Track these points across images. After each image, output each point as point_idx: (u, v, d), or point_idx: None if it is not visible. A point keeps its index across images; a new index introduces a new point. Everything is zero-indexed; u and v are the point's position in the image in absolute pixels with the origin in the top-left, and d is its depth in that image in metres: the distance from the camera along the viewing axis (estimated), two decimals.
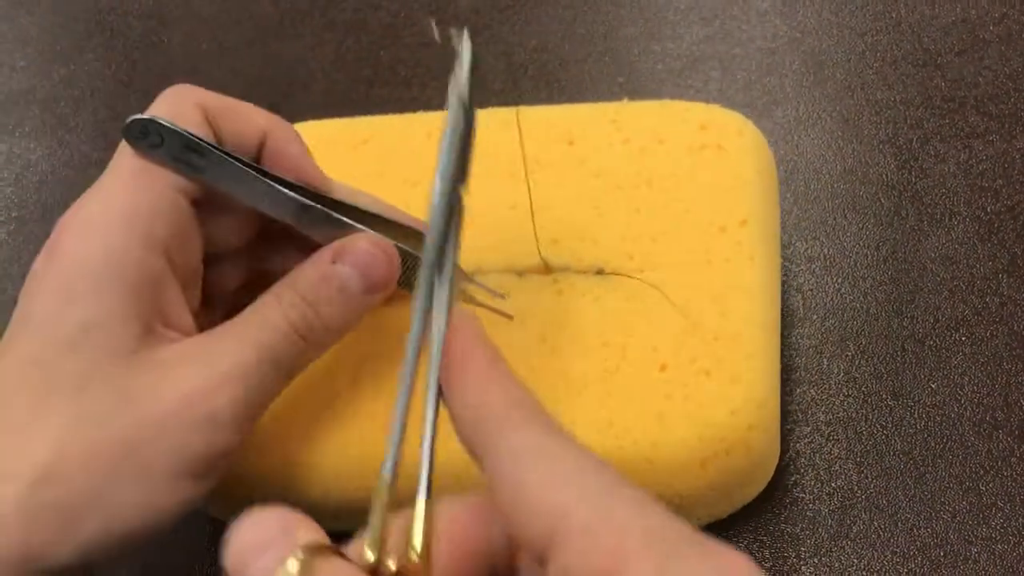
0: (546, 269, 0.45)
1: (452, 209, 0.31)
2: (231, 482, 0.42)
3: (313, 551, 0.27)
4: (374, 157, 0.50)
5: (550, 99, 0.59)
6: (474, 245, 0.45)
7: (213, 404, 0.37)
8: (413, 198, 0.47)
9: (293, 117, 0.54)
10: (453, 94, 0.32)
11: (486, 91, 0.60)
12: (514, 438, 0.28)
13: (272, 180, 0.40)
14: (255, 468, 0.43)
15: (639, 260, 0.44)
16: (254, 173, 0.40)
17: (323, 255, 0.40)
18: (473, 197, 0.47)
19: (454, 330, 0.29)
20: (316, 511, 0.43)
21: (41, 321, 0.37)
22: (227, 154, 0.40)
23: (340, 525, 0.45)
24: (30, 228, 0.60)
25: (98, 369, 0.36)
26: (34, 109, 0.65)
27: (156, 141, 0.38)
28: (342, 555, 0.28)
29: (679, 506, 0.41)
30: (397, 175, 0.49)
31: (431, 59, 0.63)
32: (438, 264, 0.30)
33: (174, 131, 0.38)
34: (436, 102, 0.60)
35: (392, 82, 0.62)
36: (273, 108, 0.62)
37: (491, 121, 0.50)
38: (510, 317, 0.44)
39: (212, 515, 0.47)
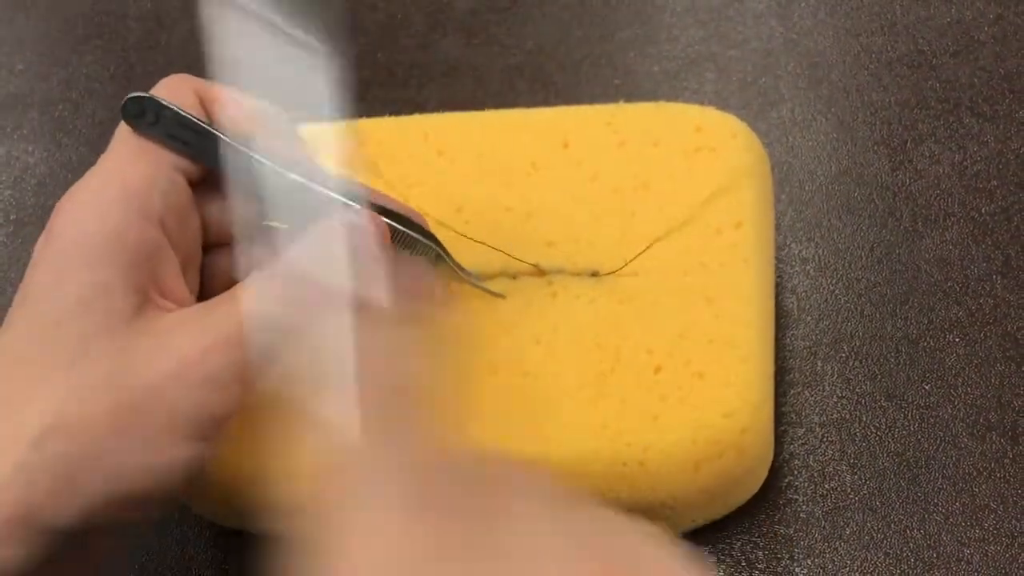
0: (540, 272, 0.45)
1: None
2: (218, 484, 0.43)
3: None
4: (370, 159, 0.50)
5: (546, 101, 0.59)
6: (469, 247, 0.46)
7: (211, 366, 0.37)
8: (410, 199, 0.47)
9: None
10: None
11: (485, 93, 0.61)
12: None
13: (263, 158, 0.41)
14: (251, 471, 0.43)
15: (634, 262, 0.45)
16: (249, 152, 0.40)
17: (317, 228, 0.40)
18: (469, 199, 0.48)
19: None
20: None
21: (38, 297, 0.37)
22: (219, 133, 0.40)
23: None
24: (28, 231, 0.60)
25: (95, 339, 0.37)
26: (32, 112, 0.66)
27: (152, 120, 0.39)
28: None
29: (672, 508, 0.41)
30: (393, 176, 0.49)
31: (428, 60, 0.63)
32: None
33: (169, 109, 0.39)
34: (433, 103, 0.60)
35: (389, 83, 0.62)
36: None
37: (486, 124, 0.50)
38: (502, 296, 0.45)
39: (199, 515, 0.48)
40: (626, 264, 0.45)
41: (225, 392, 0.37)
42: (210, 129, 0.40)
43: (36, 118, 0.65)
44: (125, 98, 0.39)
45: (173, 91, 0.41)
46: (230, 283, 0.43)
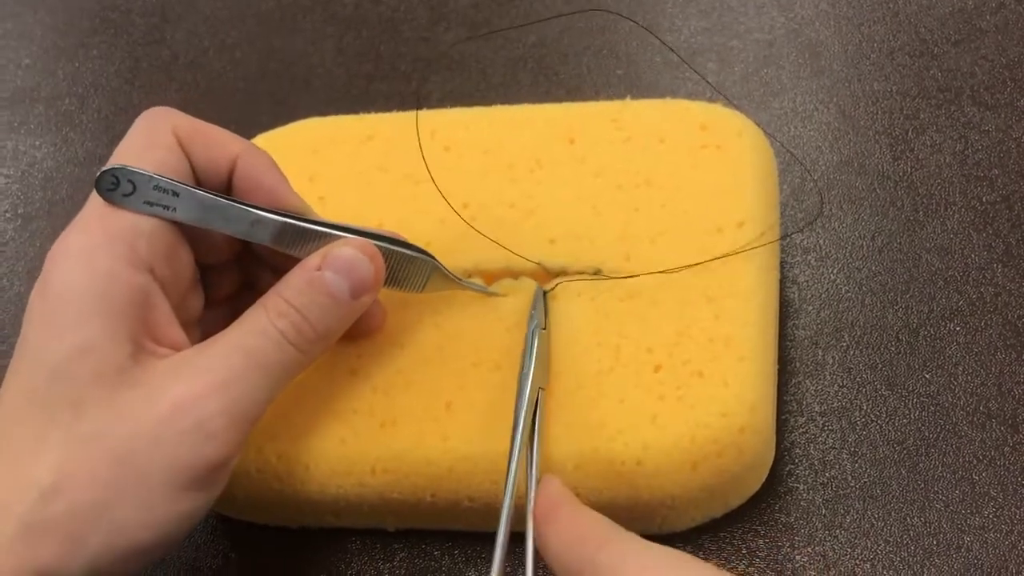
0: (543, 270, 0.46)
1: (536, 406, 0.41)
2: (230, 479, 0.43)
3: None
4: (378, 154, 0.50)
5: (549, 92, 0.60)
6: (473, 245, 0.46)
7: (203, 412, 0.37)
8: (416, 195, 0.48)
9: (294, 111, 0.55)
10: (532, 327, 0.43)
11: (487, 85, 0.61)
12: (611, 549, 0.34)
13: (247, 207, 0.41)
14: (252, 464, 0.44)
15: (635, 260, 0.45)
16: (228, 202, 0.40)
17: (309, 262, 0.40)
18: (474, 195, 0.48)
19: (544, 486, 0.38)
20: (313, 508, 0.44)
21: (34, 353, 0.38)
22: (200, 189, 0.40)
23: (338, 521, 0.46)
24: (36, 225, 0.61)
25: (91, 391, 0.37)
26: (39, 106, 0.66)
27: (128, 189, 0.39)
28: None
29: (671, 507, 0.41)
30: (400, 172, 0.49)
31: (431, 53, 0.63)
32: (530, 444, 0.40)
33: (144, 175, 0.39)
34: (436, 96, 0.61)
35: (392, 76, 0.63)
36: (275, 102, 0.63)
37: (493, 120, 0.50)
38: (500, 295, 0.45)
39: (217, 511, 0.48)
40: (628, 262, 0.45)
41: (220, 439, 0.37)
42: (189, 187, 0.40)
43: (42, 112, 0.66)
44: (98, 173, 0.38)
45: (150, 131, 0.40)
46: (226, 302, 0.44)
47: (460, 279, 0.45)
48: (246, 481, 0.44)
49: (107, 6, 0.70)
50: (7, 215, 0.62)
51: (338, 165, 0.51)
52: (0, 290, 0.59)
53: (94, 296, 0.37)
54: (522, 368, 0.41)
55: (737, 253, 0.44)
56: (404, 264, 0.43)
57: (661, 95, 0.56)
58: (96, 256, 0.38)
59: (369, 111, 0.53)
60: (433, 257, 0.43)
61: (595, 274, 0.45)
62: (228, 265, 0.44)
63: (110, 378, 0.37)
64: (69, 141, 0.64)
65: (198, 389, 0.37)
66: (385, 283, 0.42)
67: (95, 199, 0.39)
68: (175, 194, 0.39)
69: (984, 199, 0.51)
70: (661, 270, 0.44)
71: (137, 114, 0.41)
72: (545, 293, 0.44)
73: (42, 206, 0.62)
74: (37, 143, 0.65)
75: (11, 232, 0.61)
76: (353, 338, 0.44)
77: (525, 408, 0.40)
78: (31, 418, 0.37)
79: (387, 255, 0.42)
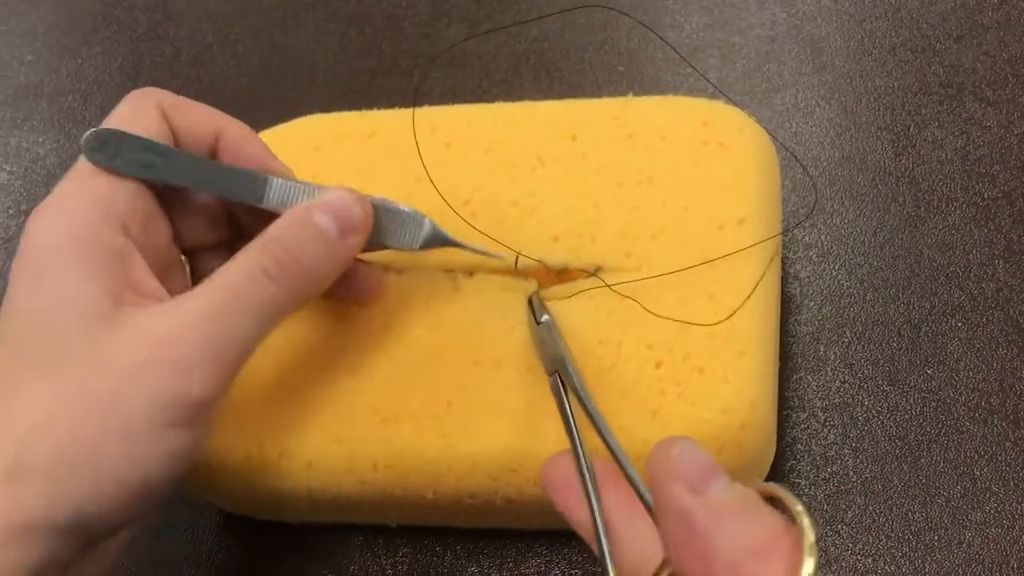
0: (545, 268, 0.46)
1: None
2: (225, 474, 0.43)
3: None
4: (380, 151, 0.50)
5: (550, 88, 0.60)
6: (472, 240, 0.46)
7: (181, 347, 0.37)
8: (417, 192, 0.48)
9: (296, 108, 0.55)
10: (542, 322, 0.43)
11: (489, 82, 0.61)
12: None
13: (233, 167, 0.42)
14: (254, 461, 0.44)
15: (637, 257, 0.45)
16: (216, 162, 0.41)
17: (297, 207, 0.41)
18: (476, 192, 0.48)
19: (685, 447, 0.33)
20: (315, 504, 0.45)
21: (17, 308, 0.38)
22: (180, 152, 0.41)
23: (339, 518, 0.46)
24: None
25: (73, 339, 0.37)
26: (42, 103, 0.66)
27: (112, 151, 0.39)
28: None
29: None
30: (402, 168, 0.49)
31: (433, 50, 0.63)
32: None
33: (130, 136, 0.40)
34: (438, 93, 0.61)
35: (394, 73, 0.63)
36: (277, 99, 0.63)
37: (495, 117, 0.50)
38: (502, 257, 0.45)
39: (207, 501, 0.48)
40: (629, 259, 0.45)
41: (201, 373, 0.37)
42: (174, 149, 0.41)
43: (46, 109, 0.66)
44: (84, 135, 0.39)
45: (134, 107, 0.41)
46: None
47: (457, 240, 0.44)
48: (248, 478, 0.44)
49: (110, 3, 0.70)
50: (10, 211, 0.62)
51: (340, 162, 0.51)
52: (3, 286, 0.59)
53: (74, 250, 0.38)
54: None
55: (737, 252, 0.44)
56: (393, 217, 0.43)
57: (663, 91, 0.56)
58: (74, 214, 0.39)
59: (371, 108, 0.53)
60: (421, 213, 0.43)
61: (595, 273, 0.45)
62: (216, 251, 0.44)
63: (93, 325, 0.37)
64: (72, 138, 0.64)
65: (177, 325, 0.37)
66: (378, 238, 0.42)
67: (79, 165, 0.40)
68: (161, 154, 0.40)
69: (986, 195, 0.51)
70: (660, 273, 0.44)
71: None
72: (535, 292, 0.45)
73: None
74: (40, 139, 0.65)
75: (14, 228, 0.61)
76: (351, 303, 0.44)
77: (570, 399, 0.40)
78: (14, 368, 0.37)
79: (375, 207, 0.42)
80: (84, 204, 0.39)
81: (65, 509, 0.36)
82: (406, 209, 0.43)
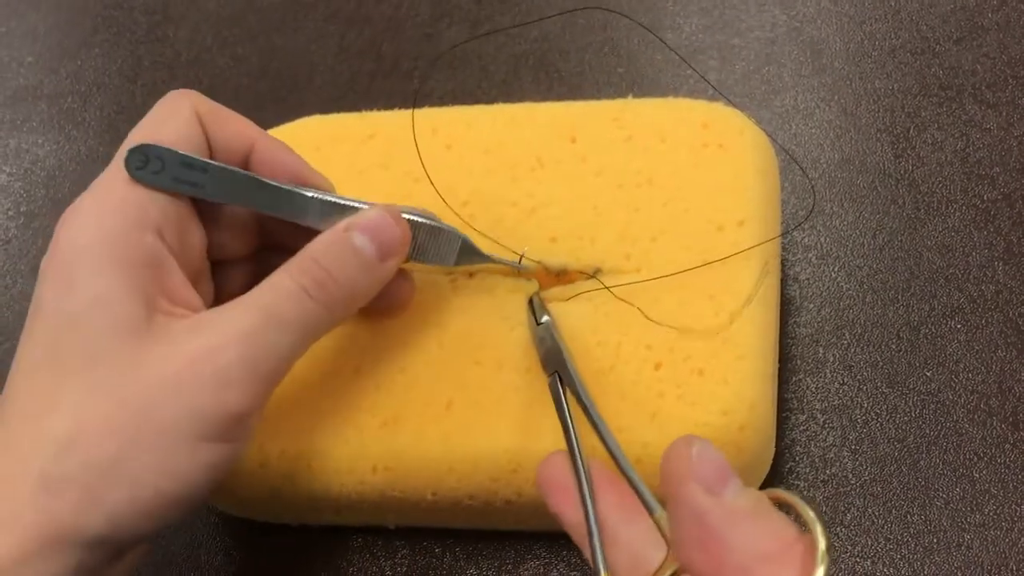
0: (544, 269, 0.46)
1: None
2: (231, 476, 0.43)
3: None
4: (379, 152, 0.51)
5: (550, 90, 0.60)
6: (475, 242, 0.46)
7: (220, 362, 0.37)
8: (416, 193, 0.48)
9: (297, 109, 0.55)
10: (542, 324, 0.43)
11: (489, 83, 0.61)
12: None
13: (274, 182, 0.41)
14: (254, 461, 0.44)
15: (636, 259, 0.45)
16: (259, 178, 0.41)
17: (338, 226, 0.41)
18: (476, 194, 0.48)
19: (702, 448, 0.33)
20: (315, 505, 0.45)
21: (48, 308, 0.38)
22: (223, 164, 0.41)
23: (340, 519, 0.46)
24: (39, 222, 0.61)
25: (107, 344, 0.37)
26: (42, 105, 0.66)
27: (157, 167, 0.39)
28: None
29: None
30: (401, 170, 0.49)
31: (433, 52, 0.63)
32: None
33: (174, 154, 0.39)
34: (438, 94, 0.61)
35: (394, 74, 0.63)
36: (277, 100, 0.63)
37: (495, 118, 0.50)
38: (519, 265, 0.45)
39: (208, 504, 0.48)
40: (628, 261, 0.45)
41: (239, 388, 0.37)
42: (218, 165, 0.40)
43: (45, 110, 0.66)
44: (127, 151, 0.39)
45: (173, 110, 0.41)
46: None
47: (490, 255, 0.45)
48: (248, 479, 0.44)
49: (109, 4, 0.70)
50: (10, 213, 0.62)
51: (340, 163, 0.51)
52: (3, 288, 0.59)
53: (108, 251, 0.38)
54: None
55: (737, 254, 0.44)
56: (432, 236, 0.43)
57: (662, 93, 0.56)
58: (108, 217, 0.38)
59: (371, 109, 0.53)
60: (463, 233, 0.44)
61: (594, 275, 0.45)
62: (242, 263, 0.44)
63: (126, 331, 0.37)
64: (72, 139, 0.64)
65: (216, 340, 0.37)
66: (416, 256, 0.43)
67: (114, 169, 0.39)
68: (203, 170, 0.40)
69: (985, 197, 0.51)
70: (659, 275, 0.44)
71: (140, 112, 0.42)
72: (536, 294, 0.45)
73: (44, 204, 0.62)
74: (40, 141, 0.65)
75: (14, 230, 0.61)
76: (382, 314, 0.44)
77: (568, 400, 0.40)
78: (47, 371, 0.37)
79: (415, 226, 0.42)
80: (119, 207, 0.39)
81: (98, 520, 0.36)
82: (445, 227, 0.43)
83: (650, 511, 0.35)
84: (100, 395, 0.36)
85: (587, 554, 0.36)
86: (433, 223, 0.43)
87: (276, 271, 0.40)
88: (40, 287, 0.39)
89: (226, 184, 0.40)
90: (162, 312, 0.38)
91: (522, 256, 0.45)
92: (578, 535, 0.37)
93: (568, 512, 0.37)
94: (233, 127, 0.42)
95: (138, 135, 0.40)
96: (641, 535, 0.35)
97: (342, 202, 0.42)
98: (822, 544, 0.29)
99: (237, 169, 0.41)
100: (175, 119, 0.40)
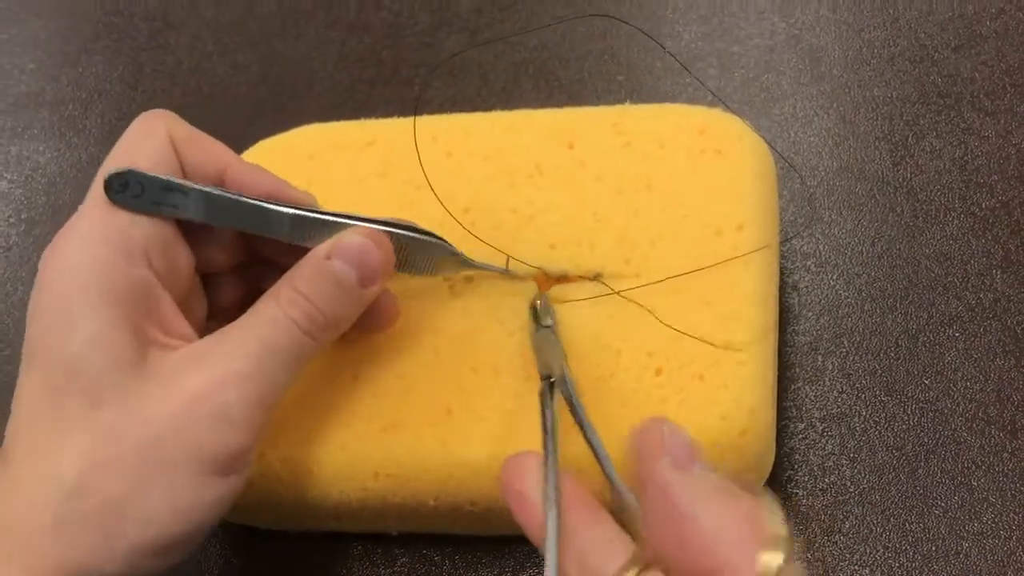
0: (544, 275, 0.46)
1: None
2: None
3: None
4: (379, 159, 0.51)
5: (550, 97, 0.60)
6: (472, 248, 0.46)
7: (222, 400, 0.37)
8: (417, 200, 0.48)
9: (296, 116, 0.55)
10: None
11: (489, 91, 0.61)
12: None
13: (256, 200, 0.41)
14: (255, 469, 0.44)
15: (636, 264, 0.45)
16: (240, 198, 0.41)
17: (318, 252, 0.41)
18: (475, 201, 0.48)
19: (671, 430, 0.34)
20: (316, 512, 0.45)
21: (45, 348, 0.38)
22: (209, 187, 0.41)
23: (340, 526, 0.46)
24: (39, 229, 0.61)
25: (107, 381, 0.37)
26: (43, 112, 0.66)
27: (137, 191, 0.39)
28: None
29: None
30: (400, 177, 0.49)
31: (433, 59, 0.63)
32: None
33: (154, 178, 0.39)
34: (438, 102, 0.61)
35: (394, 82, 0.63)
36: (277, 107, 0.63)
37: (494, 125, 0.50)
38: (508, 271, 0.45)
39: None
40: (628, 266, 0.45)
41: (240, 426, 0.38)
42: (198, 188, 0.40)
43: (46, 117, 0.66)
44: (107, 176, 0.39)
45: (146, 135, 0.41)
46: (231, 312, 0.44)
47: (473, 261, 0.45)
48: (249, 487, 0.44)
49: (110, 11, 0.70)
50: (11, 220, 0.62)
51: (339, 171, 0.51)
52: (4, 295, 0.59)
53: (98, 288, 0.38)
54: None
55: (736, 258, 0.44)
56: (415, 249, 0.43)
57: (661, 100, 0.56)
58: (94, 251, 0.38)
59: (371, 117, 0.53)
60: (444, 240, 0.44)
61: (594, 280, 0.45)
62: (230, 275, 0.44)
63: (125, 368, 0.37)
64: (72, 146, 0.65)
65: (217, 378, 0.38)
66: (400, 269, 0.43)
67: (93, 197, 0.39)
68: (184, 193, 0.40)
69: (983, 205, 0.51)
70: (658, 279, 0.44)
71: None
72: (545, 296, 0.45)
73: (45, 211, 0.62)
74: (40, 148, 0.65)
75: (15, 237, 0.61)
76: (368, 331, 0.44)
77: (554, 409, 0.39)
78: (50, 411, 0.37)
79: (397, 241, 0.42)
80: (105, 237, 0.39)
81: (115, 562, 0.36)
82: (428, 239, 0.43)
83: (625, 507, 0.35)
84: (106, 437, 0.37)
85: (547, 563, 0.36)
86: (416, 236, 0.43)
87: (264, 299, 0.40)
88: (33, 326, 0.38)
89: (207, 206, 0.40)
90: (156, 344, 0.38)
91: (508, 260, 0.45)
92: (540, 541, 0.36)
93: (533, 519, 0.36)
94: (206, 151, 0.42)
95: (114, 160, 0.40)
96: (604, 540, 0.34)
97: (323, 218, 0.41)
98: (781, 529, 0.30)
99: (218, 191, 0.41)
100: (150, 142, 0.40)
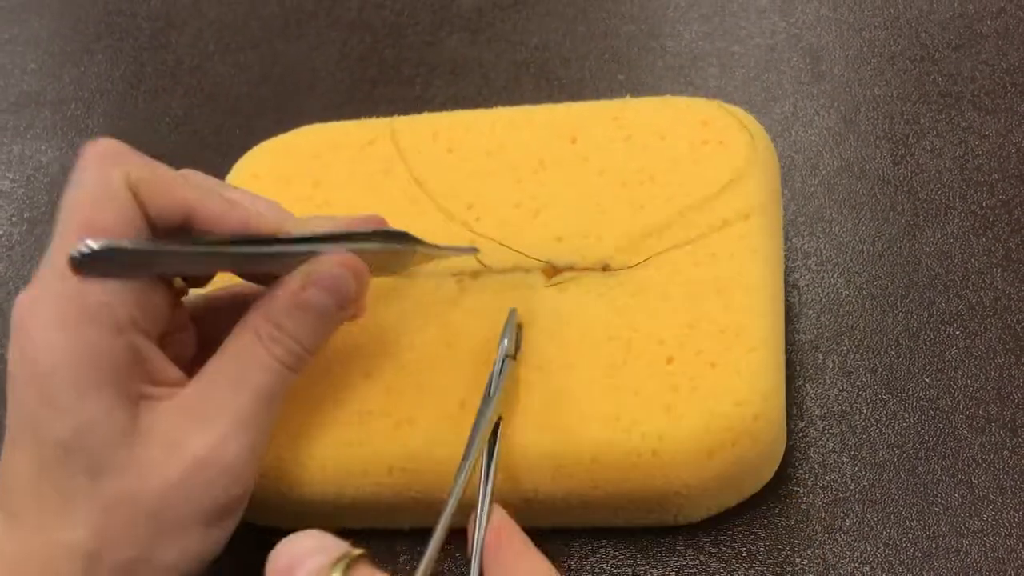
0: (551, 268, 0.46)
1: (496, 433, 0.41)
2: None
3: (354, 558, 0.33)
4: (380, 158, 0.51)
5: (551, 96, 0.60)
6: (480, 244, 0.46)
7: (224, 459, 0.39)
8: (420, 197, 0.48)
9: (298, 116, 0.55)
10: (501, 355, 0.43)
11: (490, 90, 0.61)
12: None
13: (224, 245, 0.40)
14: (270, 468, 0.44)
15: (641, 256, 0.45)
16: (208, 248, 0.40)
17: (292, 281, 0.40)
18: (479, 196, 0.48)
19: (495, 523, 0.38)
20: (311, 509, 0.45)
21: (34, 429, 0.37)
22: (176, 245, 0.39)
23: (337, 523, 0.46)
24: (41, 229, 0.61)
25: (106, 456, 0.37)
26: (45, 111, 0.67)
27: (105, 267, 0.37)
28: (377, 564, 0.33)
29: (686, 496, 0.42)
30: (403, 175, 0.50)
31: (434, 58, 0.63)
32: (486, 474, 0.40)
33: (120, 250, 0.37)
34: (439, 100, 0.61)
35: (396, 81, 0.63)
36: (279, 107, 0.64)
37: (495, 121, 0.51)
38: (476, 250, 0.46)
39: None
40: (636, 257, 0.45)
41: (242, 475, 0.39)
42: (169, 249, 0.39)
43: (48, 117, 0.66)
44: (72, 254, 0.36)
45: (102, 186, 0.38)
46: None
47: (440, 247, 0.45)
48: (262, 484, 0.44)
49: (112, 11, 0.70)
50: (13, 219, 0.62)
51: (342, 170, 0.51)
52: (7, 293, 0.59)
53: (85, 371, 0.37)
54: (485, 395, 0.42)
55: (743, 247, 0.44)
56: (385, 256, 0.43)
57: None
58: (76, 327, 0.37)
59: (373, 115, 0.54)
60: (412, 239, 0.44)
61: (603, 269, 0.45)
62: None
63: (120, 441, 0.38)
64: (75, 145, 0.64)
65: (216, 437, 0.39)
66: (378, 274, 0.43)
67: (59, 263, 0.37)
68: (154, 254, 0.38)
69: (984, 204, 0.51)
70: (665, 270, 0.44)
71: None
72: (519, 325, 0.45)
73: (47, 210, 0.62)
74: (43, 147, 0.65)
75: (17, 236, 0.61)
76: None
77: (479, 439, 0.40)
78: (50, 486, 0.37)
79: (367, 255, 0.42)
80: (83, 311, 0.37)
81: None
82: (395, 245, 0.43)
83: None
84: (111, 506, 0.37)
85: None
86: (384, 246, 0.43)
87: (242, 333, 0.40)
88: (23, 402, 0.37)
89: (179, 261, 0.40)
90: (145, 398, 0.38)
91: (475, 250, 0.46)
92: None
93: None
94: (167, 195, 0.39)
95: (73, 224, 0.37)
96: None
97: (293, 249, 0.41)
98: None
99: (188, 248, 0.39)
100: (111, 202, 0.38)
